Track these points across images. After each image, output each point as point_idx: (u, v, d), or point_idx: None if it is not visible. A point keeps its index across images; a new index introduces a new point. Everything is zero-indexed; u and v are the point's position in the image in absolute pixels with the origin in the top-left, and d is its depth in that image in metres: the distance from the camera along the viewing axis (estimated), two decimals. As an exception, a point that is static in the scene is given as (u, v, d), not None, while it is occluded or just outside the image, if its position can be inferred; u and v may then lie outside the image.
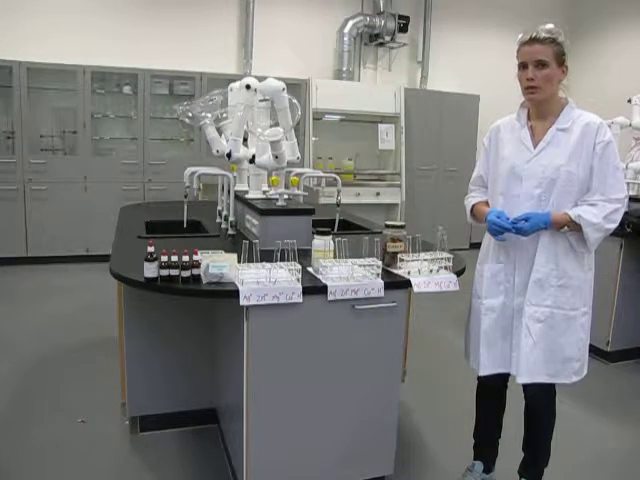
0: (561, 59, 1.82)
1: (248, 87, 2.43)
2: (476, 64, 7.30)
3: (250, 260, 1.89)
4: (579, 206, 1.85)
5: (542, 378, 1.93)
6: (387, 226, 2.06)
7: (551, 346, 1.91)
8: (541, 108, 1.90)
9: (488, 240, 2.06)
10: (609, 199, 1.83)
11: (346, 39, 6.65)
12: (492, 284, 2.00)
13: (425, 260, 2.03)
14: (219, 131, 2.92)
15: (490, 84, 6.88)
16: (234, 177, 2.81)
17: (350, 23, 6.64)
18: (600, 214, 1.81)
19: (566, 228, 1.85)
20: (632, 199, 3.28)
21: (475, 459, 2.26)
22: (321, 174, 3.30)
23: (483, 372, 2.03)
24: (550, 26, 1.82)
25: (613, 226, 1.85)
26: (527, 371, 1.92)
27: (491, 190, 2.03)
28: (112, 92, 5.83)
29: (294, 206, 2.41)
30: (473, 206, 2.10)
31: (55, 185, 5.53)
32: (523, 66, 1.84)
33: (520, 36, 1.86)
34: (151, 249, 1.79)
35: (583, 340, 1.96)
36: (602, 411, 2.94)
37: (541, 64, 1.80)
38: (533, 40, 1.81)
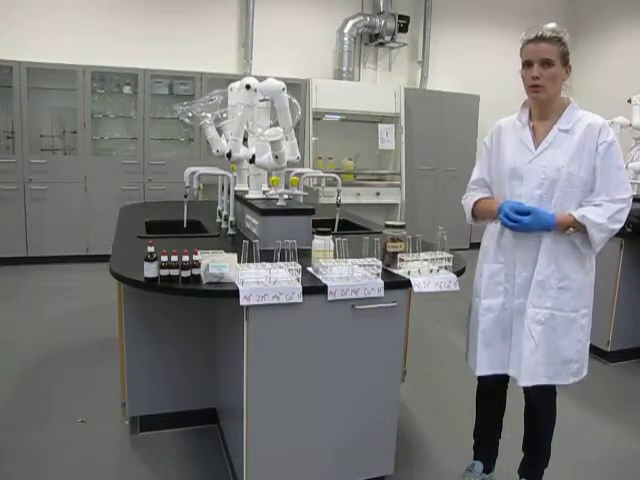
0: (565, 59, 1.81)
1: (248, 87, 2.43)
2: (476, 64, 7.30)
3: (250, 260, 1.89)
4: (583, 207, 1.85)
5: (542, 380, 1.93)
6: (387, 226, 2.06)
7: (551, 348, 1.91)
8: (543, 108, 1.89)
9: (488, 240, 2.05)
10: (613, 199, 1.81)
11: (346, 39, 6.65)
12: (491, 284, 2.00)
13: (425, 260, 2.02)
14: (219, 131, 2.92)
15: (490, 84, 6.88)
16: (234, 177, 2.81)
17: (350, 23, 6.64)
18: (605, 214, 1.80)
19: (571, 229, 1.84)
20: (632, 199, 3.28)
21: (475, 459, 2.26)
22: (321, 174, 3.30)
23: (480, 372, 2.03)
24: (553, 25, 1.80)
25: (618, 226, 1.84)
26: (528, 373, 1.92)
27: (494, 190, 2.03)
28: (112, 92, 5.83)
29: (294, 206, 2.41)
30: (476, 202, 2.05)
31: (55, 185, 5.52)
32: (528, 64, 1.82)
33: (524, 34, 1.84)
34: (151, 249, 1.79)
35: (582, 342, 1.96)
36: (602, 411, 2.94)
37: (547, 63, 1.79)
38: (539, 38, 1.79)
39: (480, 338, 2.01)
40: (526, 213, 1.81)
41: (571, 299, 1.90)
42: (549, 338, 1.90)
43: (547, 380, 1.93)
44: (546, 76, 1.80)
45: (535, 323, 1.90)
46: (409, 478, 2.30)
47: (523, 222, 1.81)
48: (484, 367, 2.02)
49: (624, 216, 1.84)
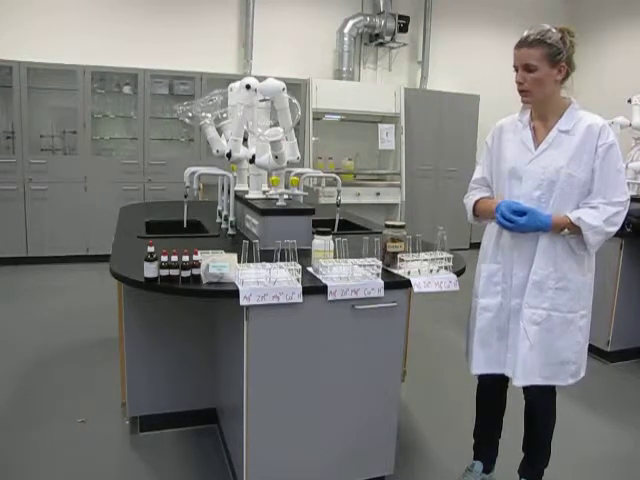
0: (555, 59, 1.79)
1: (248, 87, 2.43)
2: (476, 64, 7.30)
3: (250, 260, 1.89)
4: (580, 209, 1.84)
5: (537, 380, 1.93)
6: (387, 226, 2.06)
7: (548, 349, 1.91)
8: (540, 109, 1.89)
9: (487, 240, 2.05)
10: (610, 202, 1.81)
11: (346, 39, 6.65)
12: (488, 284, 2.00)
13: (425, 260, 2.02)
14: (219, 131, 2.92)
15: (490, 84, 6.88)
16: (234, 177, 2.81)
17: (350, 23, 6.64)
18: (600, 217, 1.80)
19: (566, 230, 1.84)
20: (632, 199, 3.28)
21: (475, 459, 2.26)
22: (321, 174, 3.30)
23: (476, 371, 2.04)
24: (541, 27, 1.79)
25: (614, 229, 1.83)
26: (523, 373, 1.92)
27: (494, 190, 2.03)
28: (112, 92, 5.83)
29: (294, 206, 2.41)
30: (477, 202, 2.05)
31: (55, 185, 5.53)
32: (515, 69, 1.85)
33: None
34: (151, 249, 1.79)
35: (581, 343, 1.95)
36: (602, 411, 2.94)
37: (529, 67, 1.80)
38: (522, 43, 1.81)
39: (477, 337, 2.01)
40: (522, 213, 1.81)
41: (569, 300, 1.90)
42: (545, 339, 1.90)
43: (542, 380, 1.93)
44: (529, 80, 1.81)
45: (531, 323, 1.90)
46: (409, 478, 2.30)
47: (518, 222, 1.81)
48: (480, 366, 2.02)
49: (620, 219, 1.83)
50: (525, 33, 1.82)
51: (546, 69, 1.80)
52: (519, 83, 1.84)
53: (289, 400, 1.90)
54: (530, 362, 1.91)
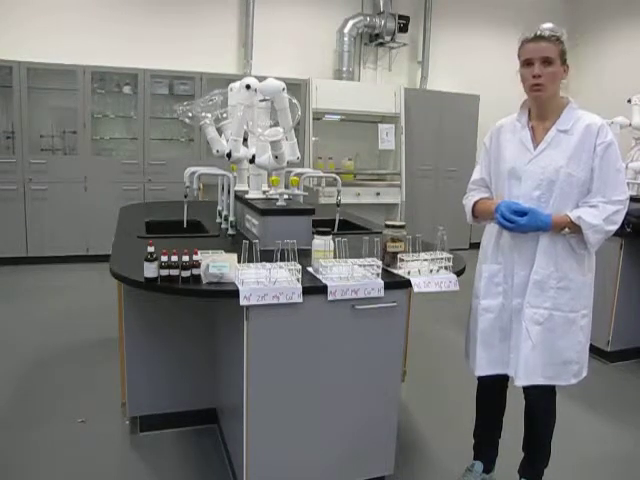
0: (564, 57, 1.82)
1: (248, 87, 2.43)
2: (476, 64, 7.29)
3: (250, 260, 1.89)
4: (579, 208, 1.85)
5: (539, 380, 1.93)
6: (387, 226, 2.06)
7: (550, 349, 1.91)
8: (542, 108, 1.89)
9: (487, 241, 2.05)
10: (610, 201, 1.81)
11: (346, 39, 6.65)
12: (490, 285, 2.00)
13: (425, 260, 2.02)
14: (219, 131, 2.92)
15: (490, 84, 6.88)
16: (234, 177, 2.81)
17: (350, 23, 6.64)
18: (600, 216, 1.80)
19: (567, 230, 1.84)
20: (632, 199, 3.27)
21: (475, 459, 2.26)
22: (321, 174, 3.30)
23: (479, 372, 2.04)
24: (551, 25, 1.81)
25: (614, 228, 1.83)
26: (524, 373, 1.92)
27: (493, 191, 2.03)
28: (112, 92, 5.83)
29: (294, 206, 2.41)
30: (476, 202, 2.05)
31: (55, 185, 5.53)
32: (528, 63, 1.83)
33: (522, 34, 1.86)
34: (151, 249, 1.79)
35: (582, 343, 1.95)
36: (602, 411, 2.94)
37: (547, 61, 1.80)
38: (539, 37, 1.80)
39: (479, 338, 2.01)
40: (523, 213, 1.81)
41: (570, 299, 1.90)
42: (547, 339, 1.90)
43: (544, 380, 1.93)
44: (546, 74, 1.80)
45: (533, 323, 1.90)
46: (409, 478, 2.30)
47: (519, 223, 1.81)
48: (483, 367, 2.02)
49: (620, 218, 1.84)
50: (539, 28, 1.81)
51: (558, 65, 1.81)
52: (537, 76, 1.81)
53: (289, 400, 1.90)
54: (532, 362, 1.91)
